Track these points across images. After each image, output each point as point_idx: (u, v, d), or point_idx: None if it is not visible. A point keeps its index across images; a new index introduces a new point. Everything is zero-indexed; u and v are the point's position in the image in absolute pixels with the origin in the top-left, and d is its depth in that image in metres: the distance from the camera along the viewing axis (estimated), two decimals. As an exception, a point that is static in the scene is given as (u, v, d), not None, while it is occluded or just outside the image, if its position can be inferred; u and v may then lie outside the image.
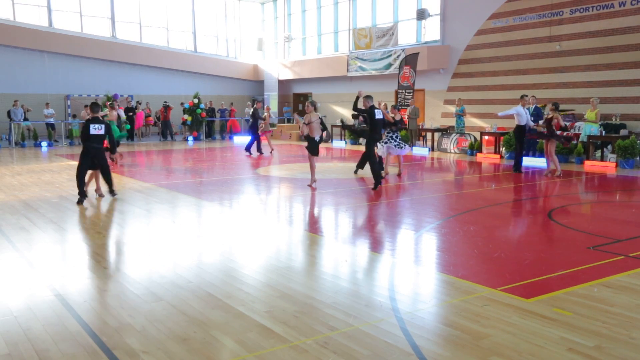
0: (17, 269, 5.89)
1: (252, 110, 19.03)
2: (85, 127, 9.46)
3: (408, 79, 21.22)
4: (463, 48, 21.00)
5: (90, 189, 10.30)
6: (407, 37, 23.45)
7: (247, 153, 18.26)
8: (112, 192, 9.95)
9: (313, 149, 11.08)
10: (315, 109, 11.14)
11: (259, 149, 18.47)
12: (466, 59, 20.97)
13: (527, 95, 14.24)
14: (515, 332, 4.12)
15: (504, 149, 16.80)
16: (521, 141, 13.71)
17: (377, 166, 11.13)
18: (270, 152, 18.48)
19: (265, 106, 20.46)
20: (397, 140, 12.54)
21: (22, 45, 24.84)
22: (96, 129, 9.41)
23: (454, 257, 6.27)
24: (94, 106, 9.70)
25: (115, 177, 12.86)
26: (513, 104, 17.95)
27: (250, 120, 18.78)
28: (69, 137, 22.87)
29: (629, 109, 16.08)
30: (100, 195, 10.19)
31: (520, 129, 13.58)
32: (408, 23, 23.42)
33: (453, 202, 9.92)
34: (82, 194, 9.57)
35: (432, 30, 22.40)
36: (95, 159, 9.62)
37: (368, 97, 10.96)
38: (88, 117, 9.73)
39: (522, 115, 13.42)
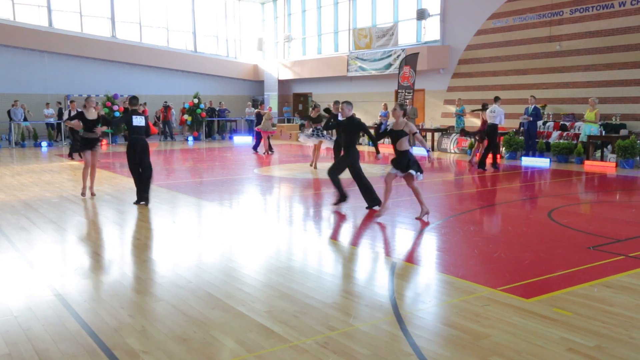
0: (17, 269, 5.89)
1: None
2: (127, 118, 9.38)
3: (408, 79, 21.22)
4: (463, 48, 21.00)
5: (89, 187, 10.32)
6: (407, 37, 23.45)
7: (270, 152, 18.66)
8: (144, 198, 9.43)
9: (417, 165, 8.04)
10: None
11: (256, 148, 18.78)
12: (466, 59, 20.97)
13: (499, 98, 14.52)
14: (515, 332, 4.12)
15: (504, 149, 16.81)
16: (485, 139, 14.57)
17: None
18: (264, 153, 18.57)
19: (268, 106, 20.71)
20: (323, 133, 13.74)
21: (22, 45, 24.84)
22: (138, 121, 9.43)
23: (454, 257, 6.27)
24: (134, 99, 9.67)
25: (115, 176, 12.89)
26: (513, 104, 18.03)
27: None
28: (69, 137, 22.87)
29: (629, 109, 16.08)
30: (92, 195, 10.25)
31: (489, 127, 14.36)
32: (408, 23, 23.42)
33: (453, 202, 9.92)
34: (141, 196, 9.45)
35: (432, 30, 22.40)
36: (141, 153, 9.39)
37: (349, 104, 8.98)
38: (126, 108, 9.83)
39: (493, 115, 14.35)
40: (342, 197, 9.06)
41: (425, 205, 8.16)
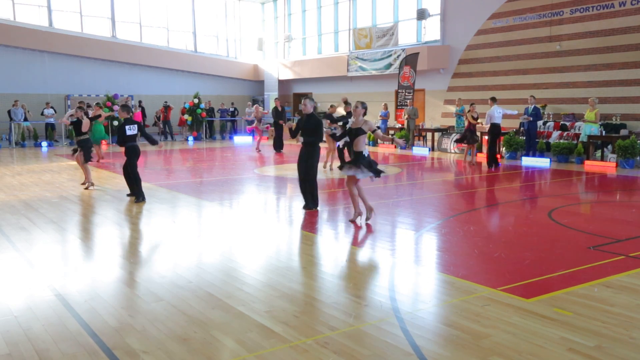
0: (17, 269, 5.89)
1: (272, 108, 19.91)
2: (121, 129, 9.73)
3: (408, 79, 21.22)
4: (463, 48, 21.00)
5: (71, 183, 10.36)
6: (407, 37, 23.45)
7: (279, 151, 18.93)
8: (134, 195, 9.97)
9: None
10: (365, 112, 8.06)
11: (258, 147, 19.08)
12: (466, 59, 20.97)
13: (496, 99, 15.07)
14: (515, 332, 4.12)
15: (504, 149, 16.81)
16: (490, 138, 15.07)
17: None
18: (257, 150, 19.11)
19: (255, 105, 21.08)
20: None
21: (22, 45, 24.83)
22: (131, 130, 9.74)
23: (454, 257, 6.27)
24: (126, 107, 9.96)
25: (115, 176, 12.89)
26: (513, 104, 18.02)
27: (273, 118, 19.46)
28: (69, 137, 22.87)
29: (629, 109, 16.07)
30: (90, 185, 11.13)
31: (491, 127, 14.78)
32: (408, 23, 23.41)
33: (453, 202, 9.92)
34: (140, 193, 9.79)
35: (432, 30, 22.40)
36: (136, 158, 9.88)
37: (311, 100, 8.87)
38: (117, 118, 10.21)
39: (491, 115, 14.64)
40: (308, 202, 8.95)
41: (359, 208, 7.95)
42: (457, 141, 17.12)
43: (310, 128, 8.70)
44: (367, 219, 7.95)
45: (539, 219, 8.39)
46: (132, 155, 9.83)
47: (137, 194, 9.80)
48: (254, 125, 19.76)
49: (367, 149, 7.95)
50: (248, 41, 31.93)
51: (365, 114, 7.92)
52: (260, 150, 19.07)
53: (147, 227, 8.11)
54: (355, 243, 7.05)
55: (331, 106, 15.50)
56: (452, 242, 6.98)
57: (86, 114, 11.58)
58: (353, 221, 7.95)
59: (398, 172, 13.88)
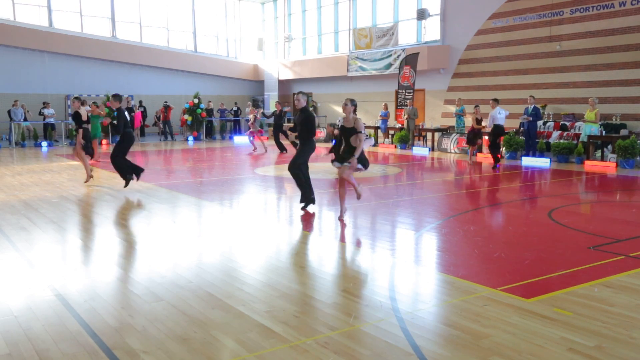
0: (17, 269, 5.89)
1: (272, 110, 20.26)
2: (122, 115, 10.37)
3: (408, 79, 21.22)
4: (463, 48, 21.00)
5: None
6: (407, 37, 23.46)
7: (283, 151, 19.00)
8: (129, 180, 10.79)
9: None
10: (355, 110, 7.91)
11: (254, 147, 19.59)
12: (466, 59, 20.97)
13: (498, 100, 15.03)
14: (515, 332, 4.12)
15: (504, 149, 16.81)
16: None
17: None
18: (254, 150, 19.25)
19: (250, 108, 21.22)
20: None
21: (22, 45, 24.84)
22: (130, 116, 10.62)
23: (454, 257, 6.27)
24: (118, 96, 10.67)
25: (115, 176, 12.89)
26: (513, 104, 18.05)
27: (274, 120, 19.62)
28: (69, 137, 22.87)
29: (629, 109, 16.08)
30: (90, 176, 11.64)
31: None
32: (408, 23, 23.42)
33: (453, 202, 9.92)
34: (129, 175, 10.70)
35: (432, 30, 22.41)
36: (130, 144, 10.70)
37: (304, 94, 8.93)
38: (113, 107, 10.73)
39: (493, 117, 14.56)
40: (306, 197, 8.89)
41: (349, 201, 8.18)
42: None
43: (302, 121, 8.76)
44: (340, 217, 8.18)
45: (539, 219, 8.39)
46: (128, 140, 10.56)
47: (126, 175, 10.59)
48: (249, 130, 19.89)
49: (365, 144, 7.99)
50: (248, 41, 31.94)
51: (355, 111, 7.84)
52: (256, 149, 19.18)
53: (147, 227, 8.11)
54: (356, 243, 7.05)
55: (330, 125, 15.67)
56: (452, 242, 6.98)
57: (82, 103, 12.13)
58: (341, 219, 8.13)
59: (398, 172, 13.89)
